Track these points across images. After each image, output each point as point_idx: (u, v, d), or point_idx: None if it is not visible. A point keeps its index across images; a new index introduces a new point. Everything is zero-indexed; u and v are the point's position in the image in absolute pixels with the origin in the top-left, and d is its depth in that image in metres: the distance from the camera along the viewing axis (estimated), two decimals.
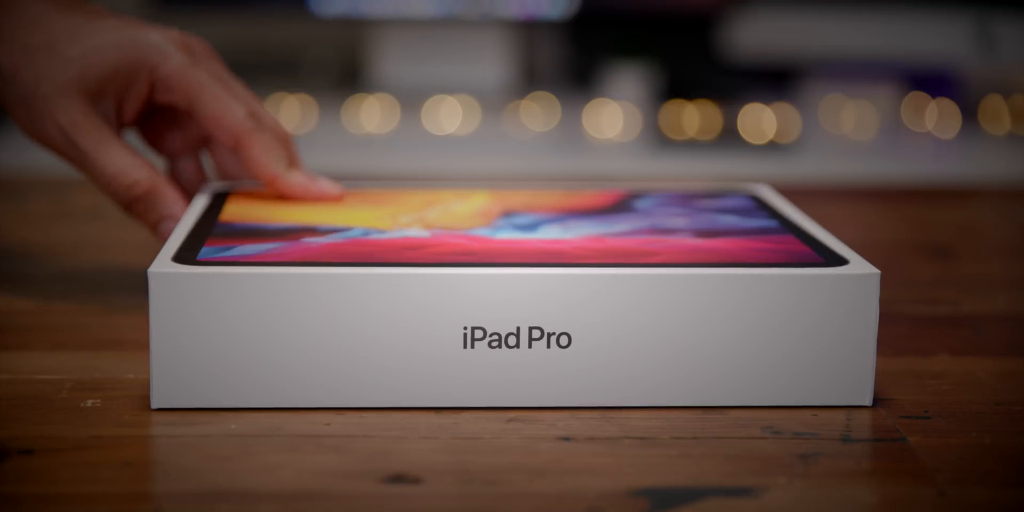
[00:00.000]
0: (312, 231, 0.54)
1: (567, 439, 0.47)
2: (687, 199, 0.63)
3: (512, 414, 0.49)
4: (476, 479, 0.43)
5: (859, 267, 0.50)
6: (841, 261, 0.51)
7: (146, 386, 0.51)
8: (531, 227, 0.56)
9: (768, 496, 0.42)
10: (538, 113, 2.10)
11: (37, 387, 0.50)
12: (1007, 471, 0.44)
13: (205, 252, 0.50)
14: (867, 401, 0.50)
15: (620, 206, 0.61)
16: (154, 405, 0.48)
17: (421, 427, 0.47)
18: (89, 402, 0.49)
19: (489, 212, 0.59)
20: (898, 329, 0.61)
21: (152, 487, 0.42)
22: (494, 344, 0.49)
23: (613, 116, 2.08)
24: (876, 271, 0.49)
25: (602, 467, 0.44)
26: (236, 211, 0.58)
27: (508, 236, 0.54)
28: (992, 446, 0.46)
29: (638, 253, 0.51)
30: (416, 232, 0.54)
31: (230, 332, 0.48)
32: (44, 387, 0.50)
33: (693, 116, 2.11)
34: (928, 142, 2.07)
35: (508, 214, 0.58)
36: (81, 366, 0.53)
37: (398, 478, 0.43)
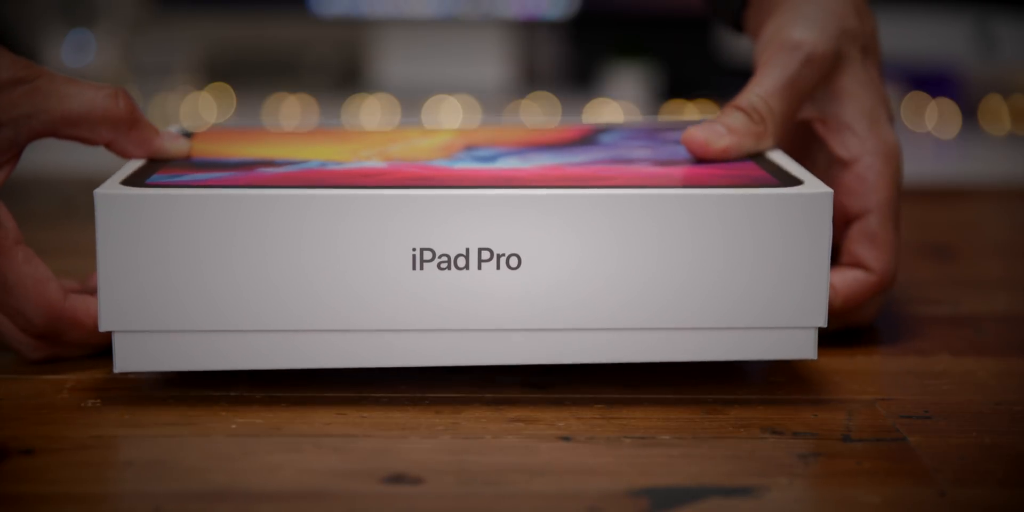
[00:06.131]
0: (269, 163, 0.54)
1: (567, 439, 0.47)
2: (653, 132, 0.62)
3: (513, 414, 0.49)
4: (476, 479, 0.43)
5: (812, 187, 0.49)
6: (795, 182, 0.50)
7: (147, 385, 0.51)
8: (490, 159, 0.55)
9: (768, 496, 0.42)
10: (538, 113, 2.10)
11: (37, 387, 0.50)
12: (1007, 471, 0.44)
13: (156, 177, 0.50)
14: (822, 322, 0.49)
15: (584, 140, 0.60)
16: (102, 328, 0.48)
17: (421, 427, 0.47)
18: (89, 402, 0.49)
19: (451, 146, 0.58)
20: (898, 329, 0.61)
21: (152, 487, 0.42)
22: (443, 265, 0.48)
23: (613, 116, 2.08)
24: (828, 190, 0.49)
25: (602, 467, 0.44)
26: (197, 148, 0.57)
27: (465, 166, 0.54)
28: (992, 446, 0.46)
29: (592, 178, 0.51)
30: (374, 163, 0.54)
31: (177, 255, 0.47)
32: (44, 387, 0.50)
33: (693, 116, 2.11)
34: (928, 142, 2.07)
35: (470, 148, 0.58)
36: (81, 366, 0.53)
37: (398, 478, 0.43)
